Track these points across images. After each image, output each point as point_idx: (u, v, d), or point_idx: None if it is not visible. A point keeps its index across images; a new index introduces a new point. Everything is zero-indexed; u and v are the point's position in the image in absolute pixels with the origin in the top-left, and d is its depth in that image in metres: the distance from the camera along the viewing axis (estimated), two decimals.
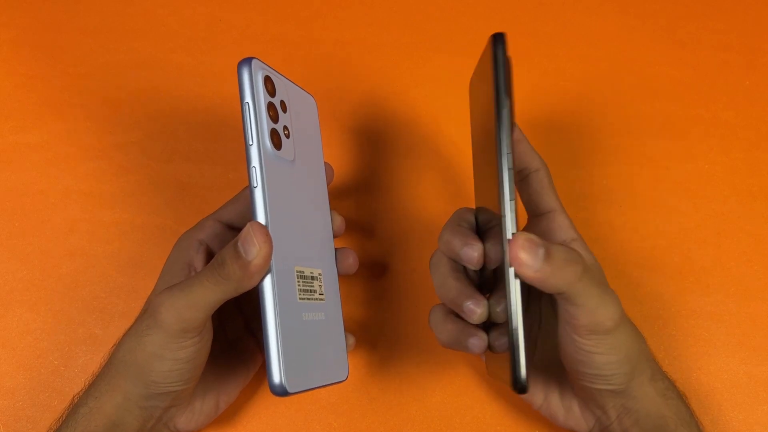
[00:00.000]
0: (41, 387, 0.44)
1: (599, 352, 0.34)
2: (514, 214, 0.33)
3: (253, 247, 0.33)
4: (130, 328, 0.37)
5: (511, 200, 0.33)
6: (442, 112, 0.52)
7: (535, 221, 0.40)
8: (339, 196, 0.50)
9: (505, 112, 0.33)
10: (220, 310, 0.36)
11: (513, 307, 0.33)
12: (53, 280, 0.47)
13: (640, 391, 0.36)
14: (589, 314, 0.33)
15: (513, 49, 0.56)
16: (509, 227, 0.33)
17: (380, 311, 0.46)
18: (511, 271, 0.32)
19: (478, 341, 0.35)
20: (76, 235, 0.48)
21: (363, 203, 0.50)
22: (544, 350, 0.39)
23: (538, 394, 0.40)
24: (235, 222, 0.41)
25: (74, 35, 0.55)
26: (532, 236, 0.32)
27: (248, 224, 0.34)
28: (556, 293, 0.33)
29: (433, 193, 0.50)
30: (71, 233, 0.48)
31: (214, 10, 0.56)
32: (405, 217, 0.50)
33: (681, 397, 0.38)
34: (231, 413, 0.44)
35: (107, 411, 0.35)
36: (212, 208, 0.41)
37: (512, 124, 0.33)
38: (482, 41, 0.56)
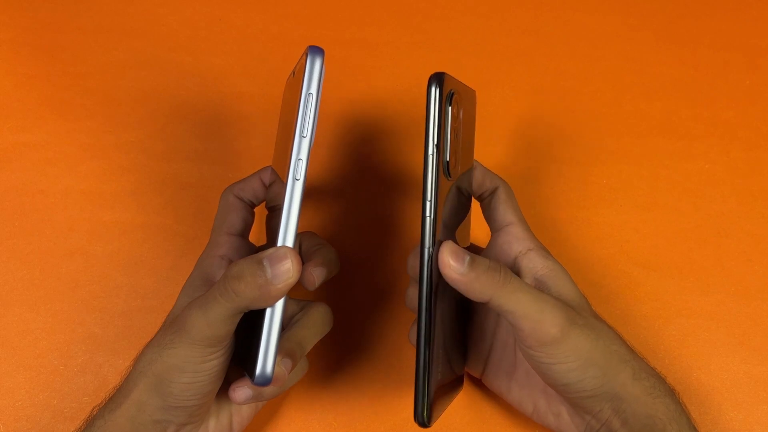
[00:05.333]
0: (41, 387, 0.44)
1: (556, 362, 0.34)
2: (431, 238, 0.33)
3: (285, 274, 0.32)
4: (151, 341, 0.37)
5: (431, 245, 0.33)
6: None
7: (494, 236, 0.41)
8: (336, 197, 0.50)
9: (431, 160, 0.32)
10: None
11: (422, 331, 0.31)
12: (53, 280, 0.47)
13: (624, 392, 0.36)
14: (528, 322, 0.34)
15: (513, 48, 0.56)
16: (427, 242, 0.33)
17: (379, 312, 0.46)
18: (424, 291, 0.32)
19: None
20: (76, 235, 0.48)
21: (359, 204, 0.50)
22: (526, 363, 0.39)
23: (527, 404, 0.40)
24: (243, 232, 0.41)
25: (74, 35, 0.55)
26: (459, 248, 0.34)
27: (283, 247, 0.33)
28: (486, 302, 0.34)
29: None
30: (71, 233, 0.48)
31: (214, 10, 0.56)
32: (404, 216, 0.50)
33: (670, 394, 0.37)
34: None
35: (121, 423, 0.35)
36: (212, 208, 0.41)
37: (438, 170, 0.32)
38: (482, 41, 0.57)
